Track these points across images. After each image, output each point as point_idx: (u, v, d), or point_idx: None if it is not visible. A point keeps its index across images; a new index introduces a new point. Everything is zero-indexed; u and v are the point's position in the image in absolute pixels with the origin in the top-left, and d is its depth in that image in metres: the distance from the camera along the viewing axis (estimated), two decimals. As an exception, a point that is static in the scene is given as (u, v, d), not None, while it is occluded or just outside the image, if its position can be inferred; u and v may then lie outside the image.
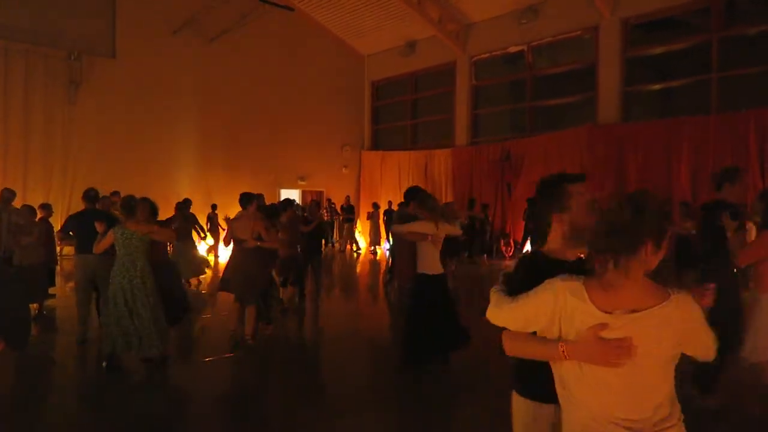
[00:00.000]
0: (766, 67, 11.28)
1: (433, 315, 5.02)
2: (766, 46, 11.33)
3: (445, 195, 16.99)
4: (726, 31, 11.81)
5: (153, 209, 5.46)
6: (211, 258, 13.70)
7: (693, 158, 11.70)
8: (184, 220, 9.63)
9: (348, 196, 17.91)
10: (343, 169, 19.89)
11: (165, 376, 5.20)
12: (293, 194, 18.02)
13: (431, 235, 4.98)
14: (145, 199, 5.46)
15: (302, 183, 18.55)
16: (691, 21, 12.60)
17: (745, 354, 3.82)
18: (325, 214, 17.57)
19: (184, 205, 10.05)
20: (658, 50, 13.11)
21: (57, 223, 8.55)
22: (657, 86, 13.37)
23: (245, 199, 6.11)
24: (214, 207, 14.27)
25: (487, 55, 16.64)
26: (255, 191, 13.46)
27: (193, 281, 9.75)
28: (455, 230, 5.43)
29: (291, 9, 17.56)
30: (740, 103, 11.34)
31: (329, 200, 18.33)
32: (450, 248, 11.20)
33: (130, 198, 5.37)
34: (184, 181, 15.06)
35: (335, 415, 4.26)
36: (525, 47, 15.47)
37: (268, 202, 13.50)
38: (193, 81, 15.88)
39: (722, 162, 11.21)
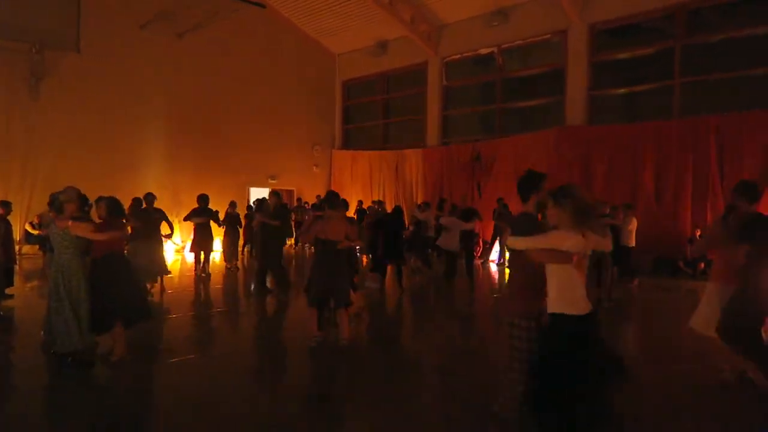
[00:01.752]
0: (725, 74, 11.69)
1: (584, 375, 3.23)
2: (726, 53, 11.71)
3: (416, 195, 17.09)
4: (688, 38, 12.17)
5: (111, 207, 5.46)
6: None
7: (656, 161, 12.03)
8: (137, 218, 9.09)
9: (318, 196, 17.81)
10: (314, 168, 19.80)
11: (133, 378, 5.09)
12: (263, 193, 17.87)
13: (577, 254, 3.21)
14: (109, 198, 5.50)
15: (273, 182, 18.38)
16: (656, 28, 12.95)
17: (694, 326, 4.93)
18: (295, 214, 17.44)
19: (138, 201, 9.38)
20: (624, 55, 13.42)
21: (16, 222, 8.30)
22: (622, 90, 13.69)
23: (334, 199, 6.09)
24: (234, 204, 12.53)
25: (458, 56, 16.77)
26: (225, 190, 13.35)
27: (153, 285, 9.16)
28: (605, 244, 3.62)
29: (263, 6, 17.41)
30: (701, 109, 11.71)
31: (299, 199, 18.22)
32: (417, 246, 11.33)
33: (56, 195, 5.42)
34: (151, 180, 14.74)
35: (330, 418, 4.24)
36: (495, 49, 15.65)
37: (236, 200, 13.33)
38: (161, 77, 15.57)
39: (685, 165, 11.58)
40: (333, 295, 5.94)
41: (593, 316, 3.26)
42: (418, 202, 14.15)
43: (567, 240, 3.16)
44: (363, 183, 19.00)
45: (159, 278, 9.10)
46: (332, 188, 19.87)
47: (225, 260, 12.18)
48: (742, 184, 4.78)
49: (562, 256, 3.17)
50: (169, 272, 9.47)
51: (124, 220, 6.13)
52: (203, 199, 10.39)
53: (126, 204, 7.07)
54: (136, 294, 5.55)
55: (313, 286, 5.97)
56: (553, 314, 3.25)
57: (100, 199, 5.55)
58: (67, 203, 5.20)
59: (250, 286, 9.47)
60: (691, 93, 12.20)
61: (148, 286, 8.89)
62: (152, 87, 15.44)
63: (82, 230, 5.09)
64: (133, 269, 5.72)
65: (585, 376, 3.18)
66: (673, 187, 11.86)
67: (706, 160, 11.29)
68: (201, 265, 10.71)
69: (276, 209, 9.18)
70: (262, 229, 9.21)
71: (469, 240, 10.33)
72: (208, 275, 10.76)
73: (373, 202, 15.50)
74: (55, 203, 5.39)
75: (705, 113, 11.52)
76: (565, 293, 3.21)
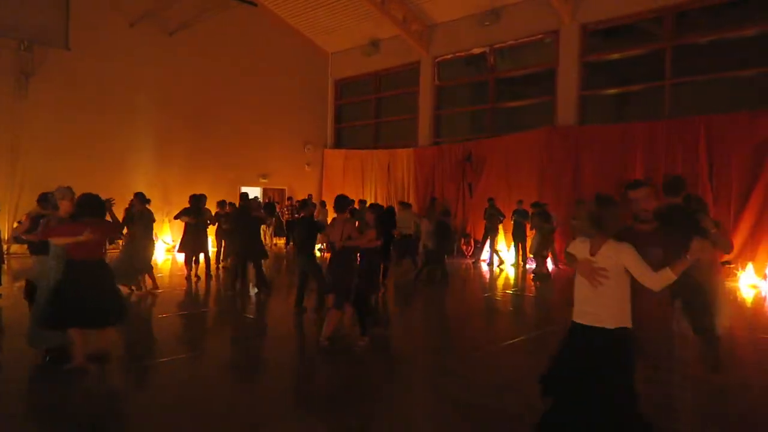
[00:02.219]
0: (715, 75, 11.79)
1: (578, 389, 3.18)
2: (715, 55, 11.81)
3: (408, 194, 17.10)
4: (678, 39, 12.25)
5: (87, 205, 5.10)
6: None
7: (645, 161, 12.10)
8: (130, 219, 8.76)
9: (310, 195, 17.80)
10: (306, 167, 19.76)
11: (122, 377, 5.06)
12: (255, 192, 17.82)
13: (583, 261, 3.24)
14: (79, 197, 5.29)
15: (264, 181, 18.33)
16: (646, 29, 13.02)
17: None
18: (286, 213, 17.43)
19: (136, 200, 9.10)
20: (615, 56, 13.50)
21: (4, 221, 8.22)
22: (613, 91, 13.77)
23: (340, 202, 6.31)
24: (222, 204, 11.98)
25: (450, 56, 16.79)
26: (215, 189, 13.32)
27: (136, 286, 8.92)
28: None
29: (254, 4, 17.32)
30: (691, 110, 11.79)
31: (290, 198, 18.17)
32: (406, 248, 11.36)
33: (46, 195, 5.53)
34: (140, 179, 14.64)
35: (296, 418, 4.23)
36: (487, 49, 15.68)
37: (227, 199, 13.29)
38: (151, 75, 15.47)
39: (674, 166, 11.67)
40: (333, 293, 6.13)
41: (603, 333, 3.08)
42: (407, 202, 14.16)
43: (572, 245, 3.40)
44: (355, 182, 18.97)
45: (141, 277, 8.86)
46: (323, 187, 19.88)
47: (219, 260, 12.08)
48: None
49: (569, 259, 3.39)
50: (150, 269, 9.06)
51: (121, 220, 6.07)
52: (195, 199, 10.26)
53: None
54: (96, 303, 5.03)
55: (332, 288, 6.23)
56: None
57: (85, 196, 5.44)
58: (62, 200, 5.17)
59: (235, 286, 9.40)
60: (681, 94, 12.29)
61: (133, 287, 8.77)
62: (142, 85, 15.34)
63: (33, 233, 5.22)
64: (102, 277, 5.17)
65: (579, 391, 3.12)
66: (662, 187, 11.91)
67: (695, 160, 11.37)
68: (192, 266, 10.51)
69: (234, 210, 9.21)
70: (242, 230, 9.26)
71: (437, 240, 10.57)
72: (208, 276, 10.59)
73: (360, 201, 15.53)
74: (50, 201, 5.41)
75: (694, 114, 11.59)
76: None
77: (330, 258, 6.30)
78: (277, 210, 17.76)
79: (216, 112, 16.81)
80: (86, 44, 14.24)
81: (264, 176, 18.29)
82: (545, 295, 10.04)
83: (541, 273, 11.36)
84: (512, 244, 13.31)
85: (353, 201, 10.70)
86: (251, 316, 8.02)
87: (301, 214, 7.88)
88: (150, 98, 15.52)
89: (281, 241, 17.66)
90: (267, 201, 16.23)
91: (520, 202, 12.87)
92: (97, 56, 14.41)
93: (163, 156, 15.76)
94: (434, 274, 10.69)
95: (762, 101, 10.90)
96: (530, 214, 11.99)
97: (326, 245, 6.50)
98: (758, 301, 9.32)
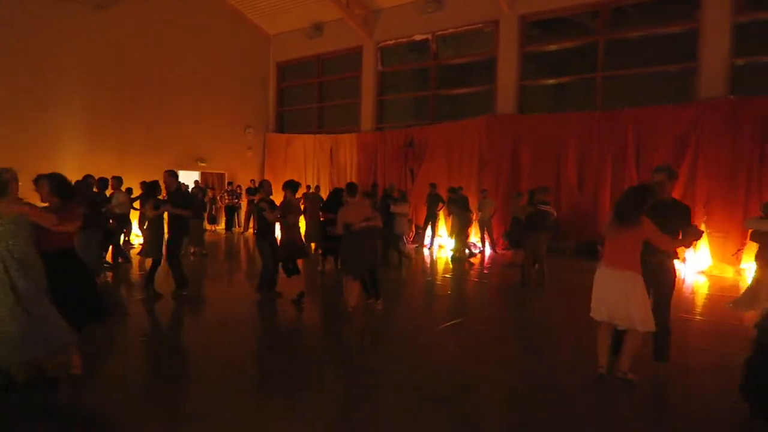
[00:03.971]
0: (644, 69, 12.40)
1: None
2: (645, 50, 12.41)
3: (350, 179, 17.06)
4: (611, 34, 12.77)
5: (59, 186, 4.58)
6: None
7: (579, 150, 12.61)
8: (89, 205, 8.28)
9: (252, 180, 17.46)
10: (248, 152, 19.34)
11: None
12: (194, 176, 17.31)
13: None
14: (52, 175, 4.69)
15: (202, 165, 17.79)
16: (582, 22, 13.50)
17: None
18: (227, 198, 17.05)
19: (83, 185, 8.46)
20: (552, 48, 13.92)
21: None
22: (550, 81, 14.21)
23: (353, 188, 7.33)
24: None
25: (393, 41, 16.80)
26: (150, 173, 12.79)
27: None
28: None
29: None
30: (621, 102, 12.36)
31: (230, 183, 17.75)
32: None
33: None
34: (68, 162, 13.86)
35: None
36: (430, 36, 15.79)
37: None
38: (78, 52, 14.61)
39: (605, 155, 12.20)
40: (350, 270, 6.85)
41: None
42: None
43: None
44: (297, 167, 18.77)
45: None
46: (265, 172, 19.53)
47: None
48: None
49: None
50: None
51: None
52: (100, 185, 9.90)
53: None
54: (86, 295, 4.75)
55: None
56: None
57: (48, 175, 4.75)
58: (13, 182, 4.24)
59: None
60: (612, 86, 12.85)
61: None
62: (69, 62, 14.46)
63: (42, 219, 4.25)
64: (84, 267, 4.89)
65: None
66: (594, 175, 12.48)
67: (624, 150, 11.96)
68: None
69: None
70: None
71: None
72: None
73: (374, 185, 15.39)
74: None
75: (624, 106, 12.16)
76: None
77: (345, 237, 6.70)
78: (212, 195, 17.28)
79: (150, 93, 16.11)
80: (5, 15, 13.25)
81: (202, 160, 17.75)
82: (464, 277, 10.29)
83: (461, 256, 11.74)
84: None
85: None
86: (185, 293, 7.77)
87: (258, 197, 7.82)
88: (78, 76, 14.67)
89: (220, 227, 17.27)
90: (196, 185, 15.27)
91: (461, 188, 13.13)
92: (17, 29, 13.43)
93: (94, 138, 14.98)
94: (391, 257, 10.66)
95: (685, 95, 11.56)
96: (446, 200, 12.33)
97: (339, 227, 6.59)
98: (677, 283, 9.93)
